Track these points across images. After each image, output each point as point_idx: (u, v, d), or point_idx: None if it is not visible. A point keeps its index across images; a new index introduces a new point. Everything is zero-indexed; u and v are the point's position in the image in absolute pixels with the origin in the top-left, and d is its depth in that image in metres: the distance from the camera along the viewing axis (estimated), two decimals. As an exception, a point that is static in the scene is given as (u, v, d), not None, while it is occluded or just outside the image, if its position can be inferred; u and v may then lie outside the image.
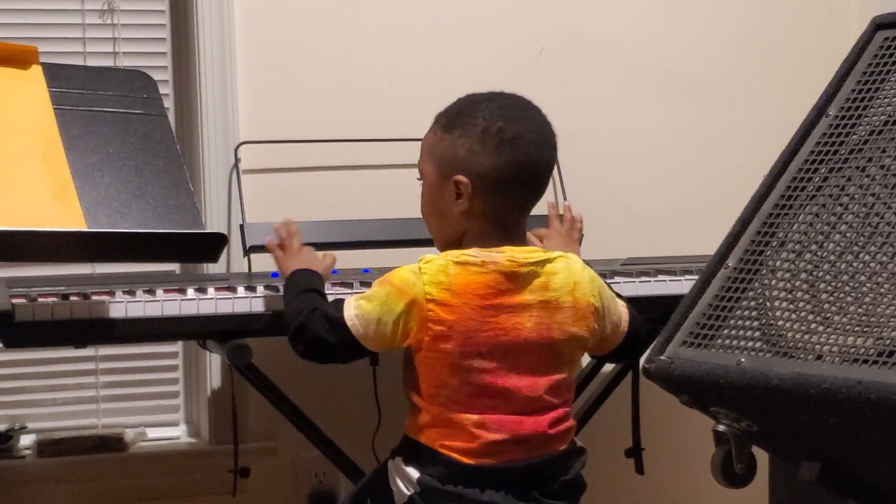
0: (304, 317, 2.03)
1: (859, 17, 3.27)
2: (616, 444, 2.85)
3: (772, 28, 3.34)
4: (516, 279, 1.97)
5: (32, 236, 1.92)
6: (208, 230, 2.14)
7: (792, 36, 3.35)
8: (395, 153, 2.99)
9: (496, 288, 1.95)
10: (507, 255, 1.98)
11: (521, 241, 2.05)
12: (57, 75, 2.20)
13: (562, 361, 2.02)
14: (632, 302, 2.45)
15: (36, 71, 2.19)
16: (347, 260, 2.58)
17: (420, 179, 2.09)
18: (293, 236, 2.28)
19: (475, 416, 1.95)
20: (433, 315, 1.93)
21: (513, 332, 1.96)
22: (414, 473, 1.98)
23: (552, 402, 2.01)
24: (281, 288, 2.23)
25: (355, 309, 1.99)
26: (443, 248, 2.06)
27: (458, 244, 2.03)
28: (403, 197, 2.87)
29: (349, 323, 1.99)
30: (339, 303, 2.02)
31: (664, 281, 2.51)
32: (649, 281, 2.50)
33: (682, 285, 2.46)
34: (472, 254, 1.97)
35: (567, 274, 2.02)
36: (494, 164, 1.98)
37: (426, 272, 1.95)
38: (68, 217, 1.97)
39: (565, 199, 3.03)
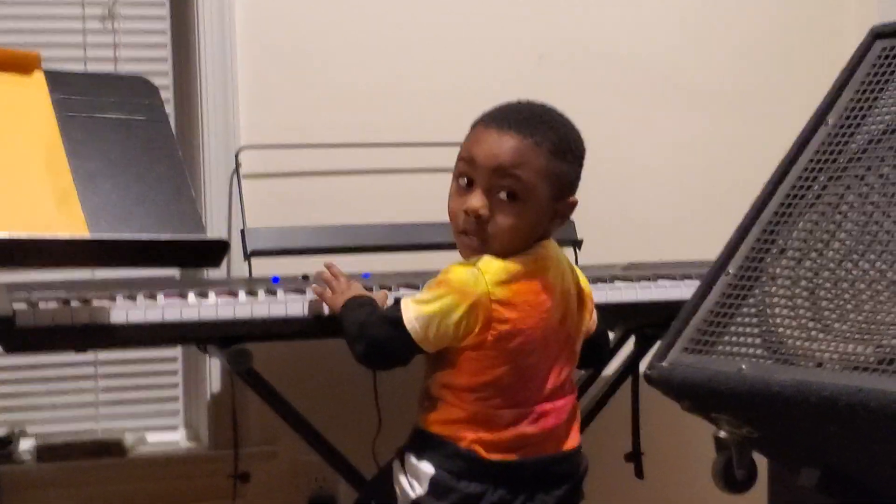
0: (364, 320, 2.06)
1: (858, 26, 3.27)
2: (616, 449, 2.86)
3: (771, 36, 3.35)
4: (549, 272, 2.05)
5: (35, 243, 1.92)
6: (210, 236, 2.14)
7: (792, 44, 3.36)
8: (395, 158, 3.00)
9: (542, 283, 2.03)
10: (547, 252, 2.07)
11: (548, 236, 2.12)
12: (59, 81, 2.20)
13: (574, 349, 2.12)
14: (633, 307, 2.48)
15: (38, 77, 2.19)
16: (348, 264, 2.57)
17: (512, 198, 2.03)
18: (339, 277, 2.28)
19: (515, 410, 2.02)
20: (498, 314, 1.98)
21: (551, 325, 2.04)
22: (428, 469, 2.01)
23: (567, 391, 2.10)
24: (308, 306, 2.27)
25: (414, 311, 2.00)
26: (499, 257, 2.04)
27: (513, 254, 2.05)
28: (404, 201, 2.90)
29: (409, 326, 1.99)
30: (397, 306, 2.04)
31: (665, 286, 2.52)
32: (650, 286, 2.51)
33: (682, 290, 2.46)
34: (524, 253, 2.04)
35: (566, 261, 2.12)
36: (579, 181, 2.11)
37: (487, 272, 1.98)
38: (71, 223, 1.97)
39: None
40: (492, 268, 1.99)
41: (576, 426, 2.12)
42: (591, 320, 2.20)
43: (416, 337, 2.00)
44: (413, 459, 2.03)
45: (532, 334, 2.01)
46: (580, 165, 2.10)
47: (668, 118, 3.28)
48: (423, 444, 2.04)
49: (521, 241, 2.04)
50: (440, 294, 1.99)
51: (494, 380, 2.01)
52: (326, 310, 2.24)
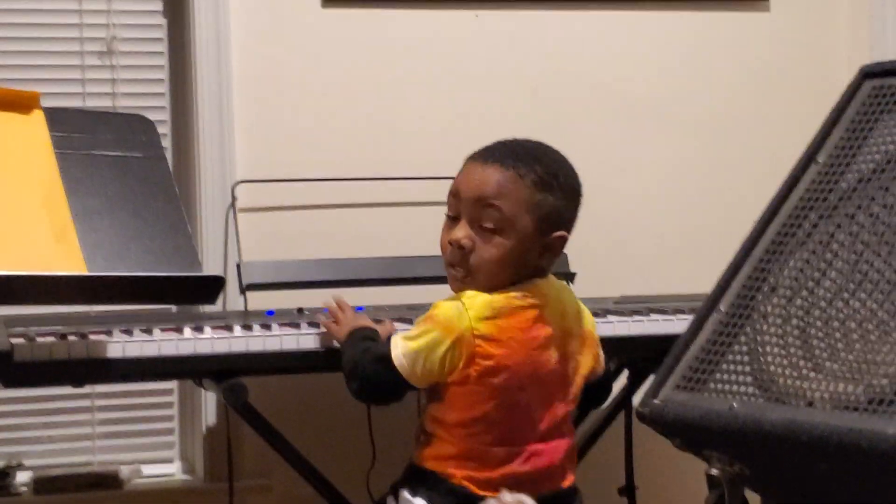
0: (357, 358, 2.08)
1: (849, 63, 3.30)
2: (609, 482, 2.87)
3: (764, 72, 3.37)
4: (545, 310, 2.04)
5: (34, 280, 1.94)
6: (206, 272, 2.16)
7: (784, 81, 3.38)
8: (389, 192, 3.02)
9: (534, 321, 2.02)
10: (540, 289, 2.05)
11: (546, 274, 2.11)
12: (58, 119, 2.22)
13: (572, 391, 2.10)
14: (626, 341, 2.49)
15: (37, 115, 2.21)
16: (345, 298, 2.60)
17: (494, 230, 2.05)
18: (345, 308, 2.29)
19: (506, 448, 2.02)
20: (481, 350, 1.98)
21: (546, 364, 2.04)
22: None
23: (564, 432, 2.09)
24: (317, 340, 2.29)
25: (402, 348, 2.02)
26: (484, 291, 2.05)
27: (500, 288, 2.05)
28: (399, 235, 2.91)
29: (396, 362, 2.02)
30: (388, 343, 2.06)
31: (657, 320, 2.53)
32: (643, 320, 2.52)
33: (674, 325, 2.48)
34: (511, 290, 2.03)
35: (572, 301, 2.12)
36: (573, 218, 2.11)
37: (471, 307, 1.99)
38: (69, 260, 1.99)
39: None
40: (476, 303, 2.00)
41: (572, 466, 2.11)
42: (598, 364, 2.19)
43: (404, 373, 2.01)
44: (407, 495, 2.04)
45: (519, 371, 2.01)
46: (572, 200, 2.10)
47: (662, 152, 3.30)
48: (417, 479, 2.05)
49: (506, 274, 2.05)
50: (426, 330, 2.01)
51: (482, 416, 2.02)
52: (334, 342, 2.25)
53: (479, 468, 2.02)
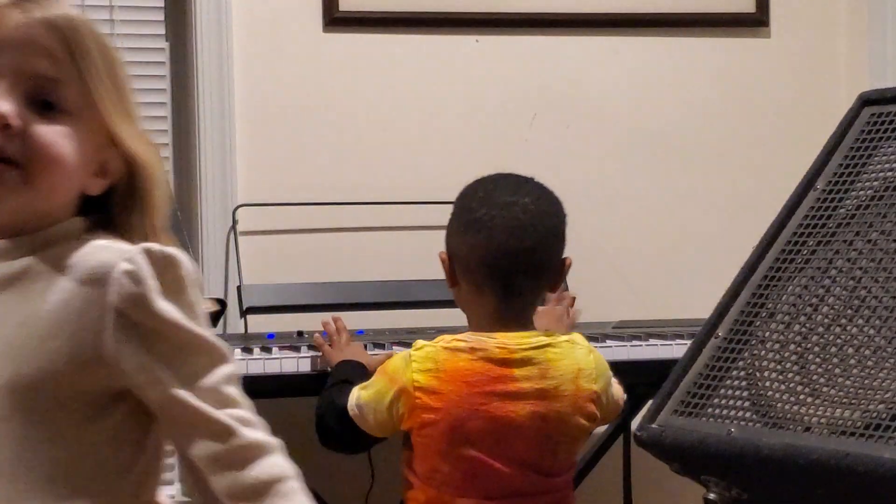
0: (322, 409, 2.08)
1: (848, 90, 3.32)
2: (607, 506, 2.88)
3: (764, 98, 3.38)
4: (509, 365, 1.94)
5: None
6: (207, 296, 2.16)
7: (784, 109, 3.39)
8: (390, 216, 3.03)
9: (486, 375, 1.93)
10: (497, 342, 1.94)
11: (520, 325, 1.99)
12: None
13: (558, 449, 1.98)
14: (624, 365, 2.47)
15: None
16: (345, 322, 2.61)
17: None
18: (341, 332, 2.30)
19: (469, 501, 1.94)
20: (420, 402, 1.92)
21: (503, 420, 1.92)
22: None
23: (549, 485, 1.99)
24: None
25: (355, 399, 2.01)
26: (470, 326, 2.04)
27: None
28: (400, 259, 2.92)
29: (351, 413, 2.01)
30: (347, 393, 2.04)
31: (655, 345, 2.54)
32: (640, 345, 2.53)
33: (673, 350, 2.49)
34: (464, 338, 1.96)
35: (570, 360, 1.98)
36: (460, 244, 1.98)
37: (415, 359, 1.94)
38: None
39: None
40: (420, 354, 1.95)
41: None
42: (601, 417, 2.05)
43: (359, 423, 2.01)
44: None
45: (464, 426, 1.92)
46: (456, 218, 2.01)
47: (661, 177, 3.31)
48: None
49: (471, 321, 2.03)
50: (375, 381, 2.00)
51: (435, 468, 1.96)
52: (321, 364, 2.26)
53: None
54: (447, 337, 1.97)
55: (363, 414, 2.00)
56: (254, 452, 1.21)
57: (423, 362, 1.93)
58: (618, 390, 2.11)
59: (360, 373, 2.16)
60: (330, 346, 2.31)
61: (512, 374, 1.94)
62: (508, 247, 1.94)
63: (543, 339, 1.97)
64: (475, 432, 1.92)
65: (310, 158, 3.05)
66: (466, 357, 1.93)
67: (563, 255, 2.03)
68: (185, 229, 2.23)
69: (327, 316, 2.74)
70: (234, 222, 2.94)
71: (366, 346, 2.35)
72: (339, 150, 3.07)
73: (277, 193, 3.00)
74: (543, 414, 1.94)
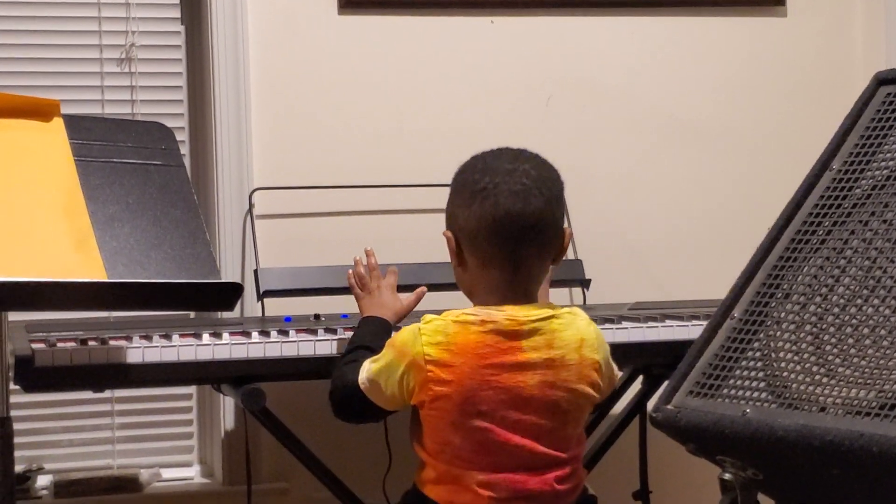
0: (336, 379, 2.09)
1: (865, 70, 3.31)
2: (624, 487, 2.88)
3: (780, 79, 3.37)
4: (518, 337, 1.96)
5: (54, 287, 1.96)
6: (224, 279, 2.17)
7: (800, 87, 3.38)
8: (406, 199, 3.04)
9: (496, 347, 1.95)
10: (506, 314, 1.97)
11: (528, 298, 2.02)
12: (78, 127, 2.24)
13: (567, 419, 2.00)
14: (641, 347, 2.47)
15: (57, 123, 2.23)
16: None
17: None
18: (370, 274, 2.31)
19: (480, 475, 1.96)
20: (433, 375, 1.94)
21: (514, 391, 1.95)
22: None
23: (559, 458, 2.00)
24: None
25: (366, 372, 2.03)
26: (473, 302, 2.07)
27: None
28: (415, 242, 2.93)
29: (362, 386, 2.03)
30: (359, 365, 2.06)
31: (671, 326, 2.54)
32: (657, 326, 2.53)
33: (689, 331, 2.48)
34: (472, 312, 1.98)
35: (574, 330, 2.01)
36: (468, 216, 1.99)
37: (425, 333, 1.96)
38: (89, 267, 2.01)
39: (574, 244, 3.06)
40: (430, 328, 1.97)
41: (574, 483, 2.02)
42: (600, 391, 2.06)
43: (370, 396, 2.03)
44: None
45: (475, 397, 1.94)
46: (458, 194, 2.04)
47: (677, 158, 3.31)
48: (418, 502, 2.04)
49: (458, 281, 2.06)
50: (385, 354, 2.02)
51: (446, 441, 1.97)
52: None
53: (461, 491, 1.97)
54: (455, 311, 1.99)
55: (373, 386, 2.02)
56: None
57: (433, 335, 1.95)
58: (613, 364, 2.13)
59: (383, 335, 2.16)
60: (360, 291, 2.32)
61: (520, 346, 1.96)
62: (516, 211, 1.96)
63: (548, 311, 2.01)
64: (486, 403, 1.94)
65: (326, 141, 3.06)
66: (477, 330, 1.96)
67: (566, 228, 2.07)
68: (201, 213, 2.23)
69: (344, 299, 2.76)
70: (251, 206, 2.95)
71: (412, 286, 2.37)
72: (354, 133, 3.07)
73: (294, 177, 3.01)
74: (552, 382, 1.97)
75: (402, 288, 2.40)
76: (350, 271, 2.35)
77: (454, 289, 2.15)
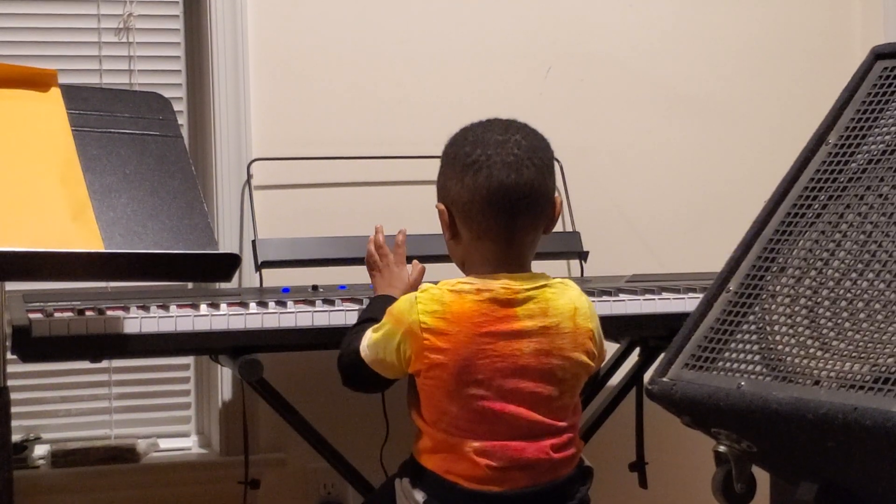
0: (343, 348, 2.10)
1: (863, 42, 3.31)
2: (620, 458, 2.90)
3: (778, 52, 3.37)
4: (513, 305, 1.97)
5: (51, 257, 1.96)
6: (222, 250, 2.17)
7: (799, 61, 3.38)
8: (405, 170, 3.04)
9: (492, 315, 1.96)
10: (502, 283, 1.98)
11: (522, 268, 2.03)
12: (75, 97, 2.24)
13: (563, 387, 2.00)
14: (637, 319, 2.48)
15: (55, 93, 2.23)
16: (358, 276, 2.62)
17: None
18: (381, 250, 2.32)
19: (476, 443, 1.96)
20: (429, 343, 1.95)
21: (510, 359, 1.96)
22: (420, 497, 2.01)
23: (556, 427, 2.00)
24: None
25: (367, 340, 2.04)
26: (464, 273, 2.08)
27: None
28: (414, 213, 2.91)
29: (363, 354, 2.04)
30: (363, 334, 2.07)
31: (668, 299, 2.55)
32: (654, 299, 2.53)
33: (685, 303, 2.49)
34: (468, 281, 1.99)
35: (567, 299, 2.02)
36: (460, 189, 2.00)
37: (421, 301, 1.97)
38: (86, 238, 2.01)
39: (572, 217, 3.07)
40: (426, 296, 1.98)
41: (571, 452, 2.03)
42: (594, 361, 2.06)
43: (370, 363, 2.04)
44: (408, 485, 2.04)
45: (472, 366, 1.95)
46: (449, 167, 2.04)
47: (676, 131, 3.31)
48: (414, 473, 2.05)
49: (450, 253, 2.08)
50: (384, 322, 2.03)
51: (443, 410, 1.98)
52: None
53: (458, 460, 1.98)
54: (451, 280, 2.00)
55: (373, 354, 2.03)
56: None
57: (429, 304, 1.96)
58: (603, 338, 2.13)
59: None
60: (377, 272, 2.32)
61: (515, 314, 1.97)
62: (509, 182, 1.97)
63: (542, 281, 2.02)
64: (483, 371, 1.95)
65: (324, 112, 3.05)
66: (472, 298, 1.97)
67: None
68: (199, 184, 2.23)
69: (342, 270, 2.77)
70: (249, 176, 2.95)
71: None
72: (352, 104, 3.07)
73: (292, 147, 3.00)
74: (547, 350, 1.98)
75: (411, 259, 2.40)
76: (370, 247, 2.34)
77: (451, 260, 2.15)
